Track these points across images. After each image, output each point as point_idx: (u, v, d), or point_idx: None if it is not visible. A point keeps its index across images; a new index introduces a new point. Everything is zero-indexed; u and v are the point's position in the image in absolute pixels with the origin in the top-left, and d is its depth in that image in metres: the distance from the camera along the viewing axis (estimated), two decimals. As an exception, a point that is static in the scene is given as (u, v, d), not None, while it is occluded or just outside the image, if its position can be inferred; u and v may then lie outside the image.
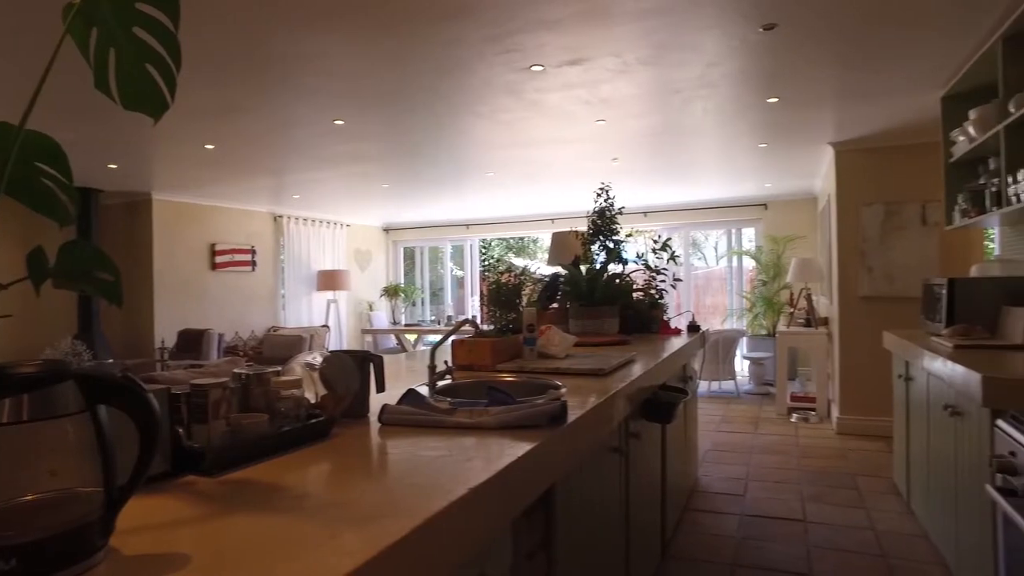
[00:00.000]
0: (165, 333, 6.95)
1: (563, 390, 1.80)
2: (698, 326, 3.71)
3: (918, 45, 3.18)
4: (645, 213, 8.76)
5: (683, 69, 3.44)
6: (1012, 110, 2.73)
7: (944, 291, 3.20)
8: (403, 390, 1.61)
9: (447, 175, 6.39)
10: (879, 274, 5.17)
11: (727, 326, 8.35)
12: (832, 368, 5.76)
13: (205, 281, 7.52)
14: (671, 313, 4.18)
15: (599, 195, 3.84)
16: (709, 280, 10.23)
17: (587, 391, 1.84)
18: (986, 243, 5.23)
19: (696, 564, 2.92)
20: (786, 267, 7.25)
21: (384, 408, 1.43)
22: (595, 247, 3.82)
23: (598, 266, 3.61)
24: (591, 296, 3.39)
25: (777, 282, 7.64)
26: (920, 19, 2.87)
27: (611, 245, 3.71)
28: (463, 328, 2.24)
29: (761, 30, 2.92)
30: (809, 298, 6.38)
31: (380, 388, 1.51)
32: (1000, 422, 1.83)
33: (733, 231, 9.02)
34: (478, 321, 2.71)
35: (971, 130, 3.26)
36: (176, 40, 0.88)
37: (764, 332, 7.59)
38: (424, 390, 1.89)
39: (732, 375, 7.09)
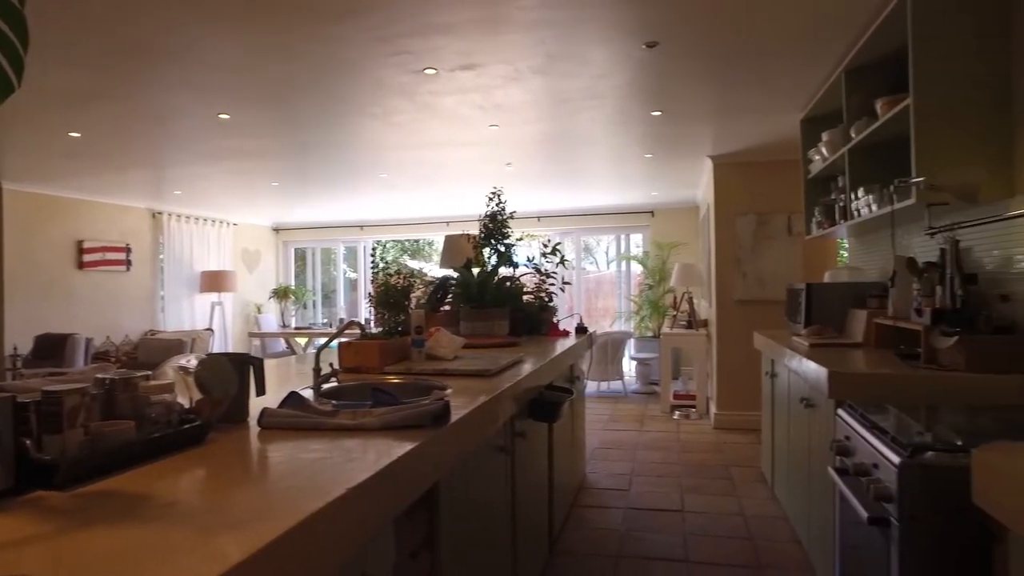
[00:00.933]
0: (19, 338, 6.32)
1: (449, 391, 1.83)
2: (586, 328, 3.85)
3: (781, 71, 3.47)
4: (539, 218, 8.96)
5: (572, 79, 3.57)
6: (853, 135, 3.05)
7: (803, 295, 3.52)
8: (288, 393, 1.58)
9: (340, 175, 6.26)
10: (752, 279, 5.58)
11: (616, 328, 8.69)
12: (711, 367, 6.14)
13: (71, 281, 6.92)
14: (562, 315, 4.31)
15: (491, 199, 3.91)
16: (600, 284, 10.62)
17: (474, 391, 1.87)
18: (841, 251, 5.78)
19: (582, 558, 3.04)
20: (670, 272, 7.64)
21: (264, 412, 1.40)
22: (487, 250, 3.88)
23: (489, 269, 3.66)
24: (482, 298, 3.44)
25: (662, 286, 8.04)
26: (781, 49, 3.14)
27: (502, 249, 3.78)
28: (352, 331, 2.22)
29: (644, 47, 3.08)
30: (691, 301, 6.78)
31: (260, 391, 1.47)
32: (840, 411, 2.05)
33: (622, 237, 9.41)
34: (372, 323, 2.69)
35: (824, 151, 3.60)
36: (22, 16, 0.82)
37: (650, 334, 7.97)
38: (308, 393, 1.86)
39: (620, 375, 7.39)
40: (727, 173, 5.65)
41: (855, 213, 3.10)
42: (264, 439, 1.32)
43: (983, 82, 2.28)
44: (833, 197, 3.63)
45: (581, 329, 3.83)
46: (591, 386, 7.47)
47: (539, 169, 6.16)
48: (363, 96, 3.79)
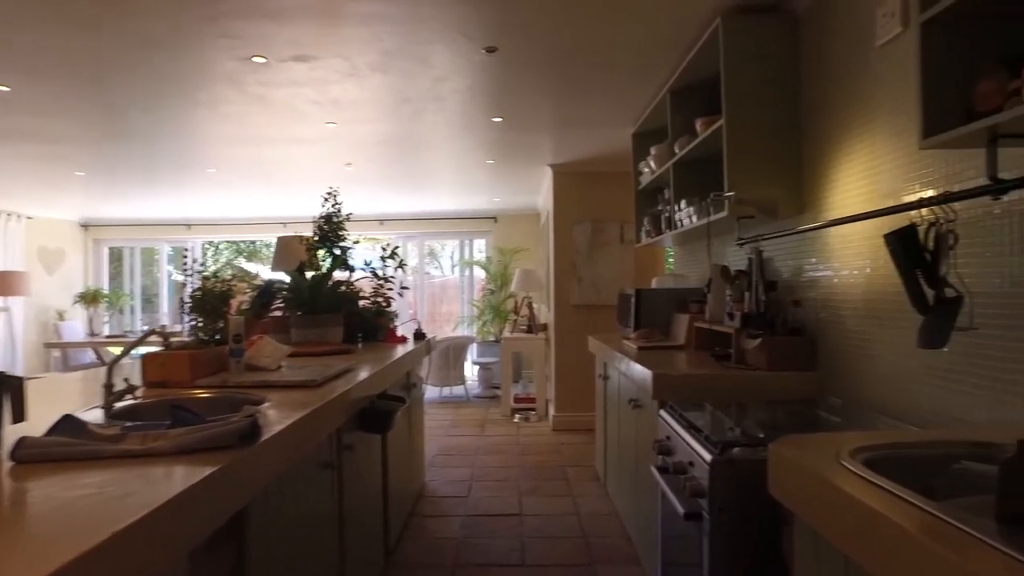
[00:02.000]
0: None
1: (265, 405, 1.67)
2: (424, 334, 3.78)
3: (614, 87, 3.65)
4: (381, 221, 8.76)
5: (412, 80, 3.49)
6: (676, 151, 3.27)
7: (633, 300, 3.71)
8: (60, 417, 1.34)
9: (162, 167, 5.67)
10: (587, 284, 5.82)
11: (459, 333, 8.70)
12: (550, 370, 6.32)
13: None
14: (405, 320, 4.20)
15: (326, 200, 3.71)
16: (445, 288, 10.60)
17: (295, 404, 1.73)
18: (668, 259, 6.21)
19: (419, 570, 2.95)
20: (512, 277, 7.79)
21: (20, 442, 1.17)
22: (322, 253, 3.69)
23: (323, 273, 3.47)
24: (314, 304, 3.25)
25: (504, 291, 8.18)
26: (614, 65, 3.29)
27: (337, 252, 3.61)
28: (167, 339, 1.97)
29: (484, 51, 3.08)
30: (531, 306, 6.94)
31: (18, 418, 1.23)
32: (662, 411, 2.16)
33: (466, 242, 9.45)
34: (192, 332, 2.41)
35: (652, 164, 3.83)
36: None
37: (492, 338, 8.07)
38: (96, 414, 1.62)
39: (462, 380, 7.39)
40: (566, 182, 5.86)
41: (678, 223, 3.32)
42: (18, 476, 1.09)
43: (779, 111, 2.52)
44: (660, 208, 3.87)
45: (419, 335, 3.75)
46: (433, 392, 7.41)
47: (381, 171, 6.00)
48: (185, 81, 3.44)
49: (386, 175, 6.21)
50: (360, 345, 3.48)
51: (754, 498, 1.46)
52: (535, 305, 7.20)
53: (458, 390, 7.54)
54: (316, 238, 3.65)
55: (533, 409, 6.43)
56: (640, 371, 2.59)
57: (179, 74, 3.34)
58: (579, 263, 5.81)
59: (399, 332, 3.81)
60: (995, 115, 1.22)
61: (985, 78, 1.29)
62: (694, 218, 3.10)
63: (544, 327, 6.96)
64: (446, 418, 6.35)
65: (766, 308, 2.44)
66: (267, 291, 3.03)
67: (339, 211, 3.74)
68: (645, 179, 4.07)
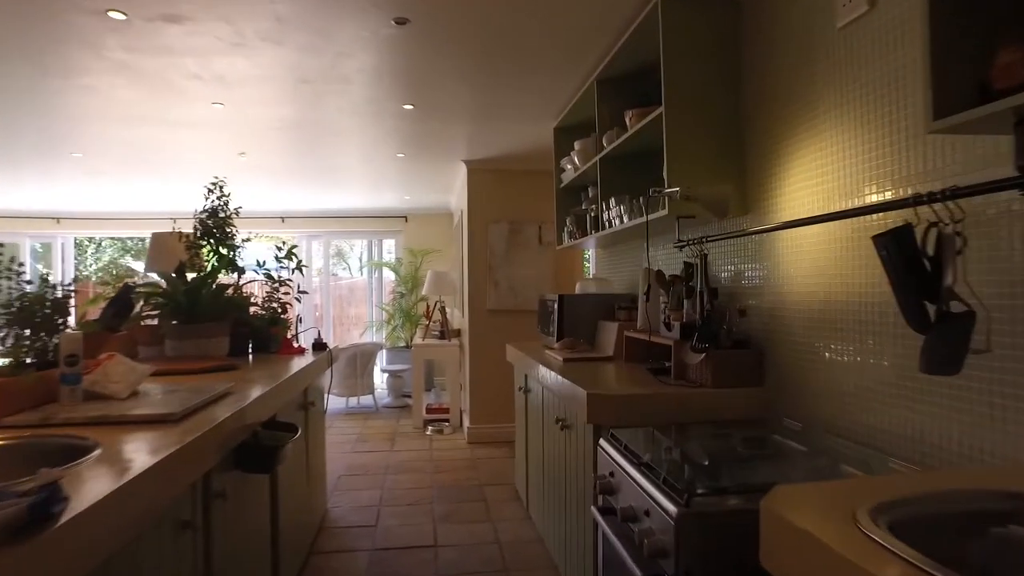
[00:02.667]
0: None
1: (92, 456, 1.24)
2: (325, 344, 3.34)
3: (534, 78, 3.36)
4: (283, 218, 8.13)
5: (312, 55, 3.06)
6: (604, 144, 3.02)
7: (555, 306, 3.43)
8: None
9: (20, 149, 4.88)
10: (504, 288, 5.51)
11: (367, 339, 8.20)
12: (464, 379, 5.98)
13: None
14: (309, 324, 3.74)
15: (210, 191, 3.22)
16: (353, 291, 10.03)
17: (143, 447, 1.31)
18: (585, 262, 6.01)
19: (315, 620, 2.54)
20: (423, 280, 7.40)
21: None
22: (207, 251, 3.19)
23: (204, 274, 2.98)
24: (192, 311, 2.76)
25: (415, 294, 7.76)
26: (536, 50, 3.00)
27: (224, 251, 3.12)
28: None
29: (393, 23, 2.71)
30: (443, 310, 6.57)
31: None
32: (602, 441, 1.87)
33: (375, 242, 8.96)
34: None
35: (576, 159, 3.57)
36: None
37: (403, 344, 7.63)
38: None
39: (371, 389, 6.92)
40: (481, 179, 5.53)
41: (607, 224, 3.06)
42: None
43: (724, 101, 2.31)
44: (585, 207, 3.61)
45: (319, 345, 3.31)
46: (339, 402, 6.89)
47: (280, 162, 5.45)
48: (28, 41, 2.85)
49: (286, 167, 5.66)
50: (250, 359, 3.01)
51: (729, 560, 1.19)
52: (448, 309, 6.83)
53: (366, 400, 7.06)
54: (198, 234, 3.15)
55: (446, 420, 6.06)
56: (568, 387, 2.30)
57: (18, 30, 2.75)
58: (495, 265, 5.50)
59: (301, 340, 3.36)
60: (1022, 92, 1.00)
61: (1006, 47, 1.07)
62: (625, 218, 2.86)
63: (457, 333, 6.61)
64: (353, 432, 5.87)
65: (708, 318, 2.21)
66: (121, 298, 2.51)
67: (226, 204, 3.25)
68: (568, 176, 3.81)
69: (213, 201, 3.23)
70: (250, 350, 3.14)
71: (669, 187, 2.21)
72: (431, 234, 8.23)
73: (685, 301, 2.36)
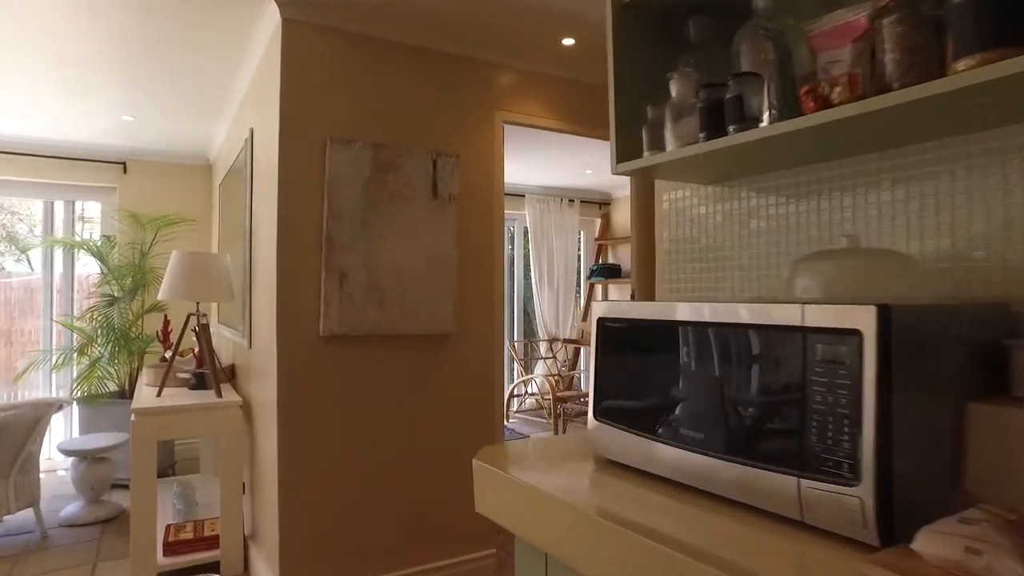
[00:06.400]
0: None
1: None
2: None
3: None
4: None
5: None
6: None
7: (864, 350, 0.75)
8: None
9: None
10: (360, 287, 2.63)
11: (35, 388, 4.50)
12: (259, 481, 2.89)
13: None
14: None
15: None
16: (31, 293, 5.91)
17: None
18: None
19: None
20: (160, 272, 4.02)
21: None
22: None
23: None
24: None
25: (141, 299, 4.31)
26: None
27: None
28: None
29: None
30: (204, 331, 3.32)
31: None
32: None
33: (67, 208, 5.15)
34: None
35: None
36: None
37: (112, 392, 4.12)
38: None
39: (31, 498, 3.32)
40: (312, 47, 2.54)
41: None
42: None
43: None
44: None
45: None
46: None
47: None
48: None
49: None
50: None
51: None
52: (217, 331, 3.61)
53: (24, 518, 3.46)
54: None
55: (214, 573, 2.87)
56: None
57: None
58: (341, 239, 2.54)
59: None
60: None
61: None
62: None
63: (230, 375, 3.47)
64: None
65: None
66: None
67: None
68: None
69: None
70: None
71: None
72: (175, 192, 4.80)
73: None
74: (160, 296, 3.15)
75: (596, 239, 6.88)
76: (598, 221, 6.90)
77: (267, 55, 2.71)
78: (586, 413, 4.86)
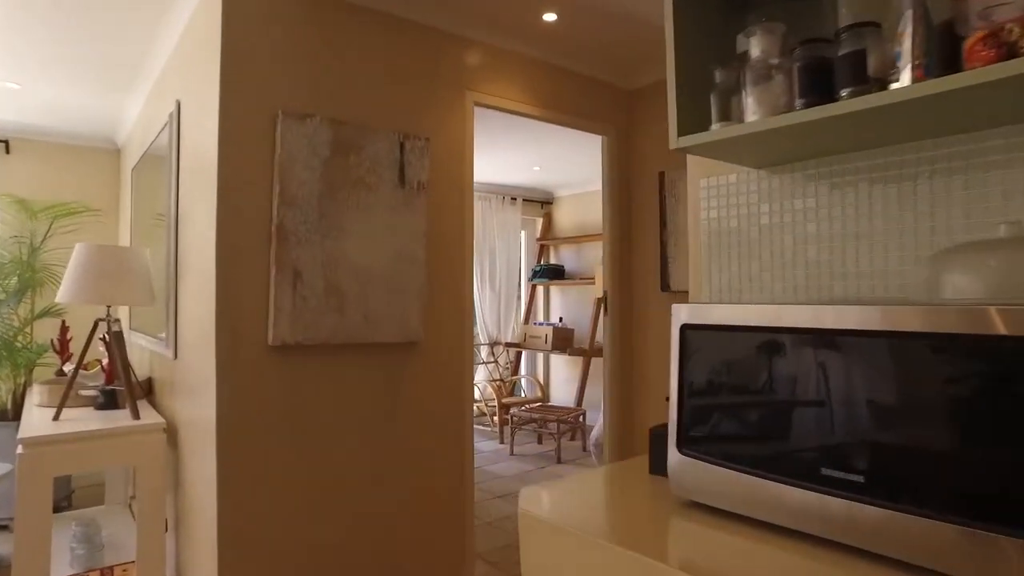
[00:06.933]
0: None
1: None
2: None
3: None
4: None
5: None
6: None
7: None
8: None
9: None
10: (316, 287, 2.23)
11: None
12: (187, 520, 2.43)
13: None
14: None
15: None
16: None
17: None
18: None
19: None
20: (55, 271, 3.44)
21: None
22: None
23: None
24: None
25: (32, 300, 3.69)
26: None
27: None
28: None
29: None
30: (117, 340, 2.81)
31: None
32: None
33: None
34: None
35: None
36: None
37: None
38: None
39: None
40: (256, 2, 2.15)
41: None
42: None
43: None
44: None
45: None
46: None
47: None
48: None
49: None
50: None
51: None
52: (130, 338, 3.10)
53: None
54: None
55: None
56: None
57: None
58: (295, 232, 2.15)
59: None
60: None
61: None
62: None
63: (147, 390, 2.97)
64: None
65: None
66: None
67: None
68: None
69: None
70: None
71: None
72: (74, 177, 4.16)
73: None
74: (58, 298, 2.62)
75: (538, 239, 6.64)
76: (539, 221, 6.67)
77: (200, 13, 2.28)
78: (534, 421, 4.54)
